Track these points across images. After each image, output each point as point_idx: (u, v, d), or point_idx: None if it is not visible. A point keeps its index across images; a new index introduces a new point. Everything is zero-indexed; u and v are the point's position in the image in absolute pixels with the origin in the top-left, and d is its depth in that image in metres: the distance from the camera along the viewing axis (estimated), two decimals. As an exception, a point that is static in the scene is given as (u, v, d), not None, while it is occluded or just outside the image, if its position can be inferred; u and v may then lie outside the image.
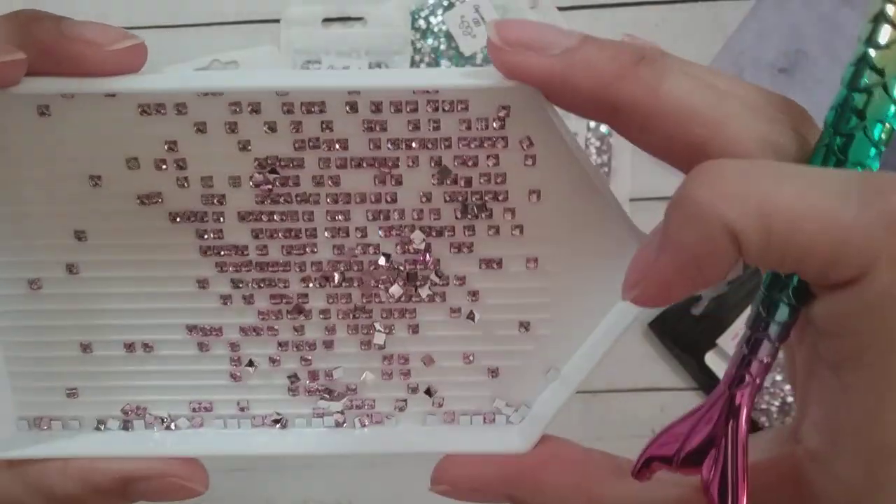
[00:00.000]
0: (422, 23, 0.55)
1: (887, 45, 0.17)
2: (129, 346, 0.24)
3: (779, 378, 0.51)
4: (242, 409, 0.25)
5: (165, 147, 0.22)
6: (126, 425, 0.25)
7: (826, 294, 0.17)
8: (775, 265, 0.17)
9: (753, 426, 0.51)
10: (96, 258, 0.23)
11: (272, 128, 0.21)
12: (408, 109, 0.21)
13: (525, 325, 0.24)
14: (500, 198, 0.22)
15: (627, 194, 0.52)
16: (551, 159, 0.21)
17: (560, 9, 0.54)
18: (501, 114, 0.21)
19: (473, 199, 0.22)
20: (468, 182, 0.22)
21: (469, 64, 0.55)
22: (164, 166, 0.22)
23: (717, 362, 0.52)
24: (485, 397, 0.25)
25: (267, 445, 0.25)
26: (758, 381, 0.19)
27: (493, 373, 0.24)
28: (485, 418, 0.25)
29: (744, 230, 0.16)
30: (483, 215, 0.22)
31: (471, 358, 0.24)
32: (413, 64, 0.55)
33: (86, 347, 0.24)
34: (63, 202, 0.22)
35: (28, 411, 0.25)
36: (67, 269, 0.23)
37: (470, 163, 0.22)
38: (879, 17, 0.17)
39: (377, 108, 0.21)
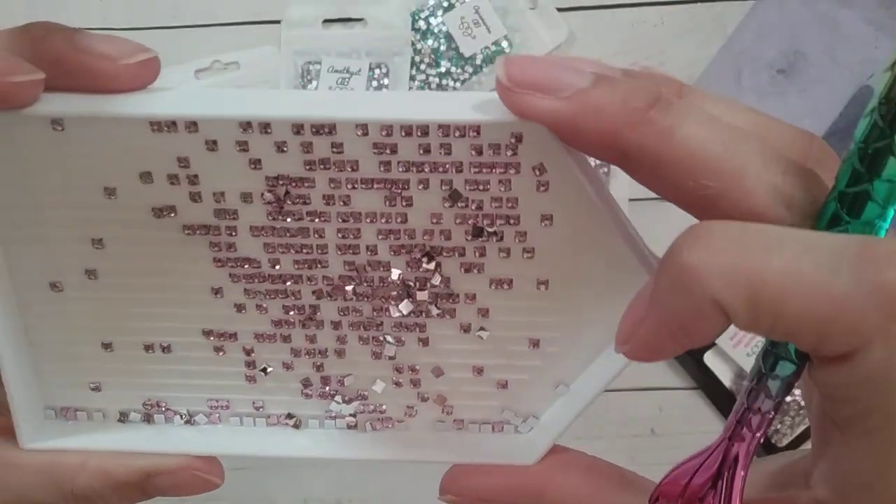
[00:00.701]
0: (422, 24, 0.55)
1: None
2: (149, 347, 0.25)
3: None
4: (258, 409, 0.25)
5: (177, 163, 0.22)
6: (147, 418, 0.25)
7: (822, 364, 0.17)
8: (766, 335, 0.16)
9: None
10: (114, 265, 0.24)
11: (282, 148, 0.21)
12: (418, 134, 0.21)
13: (535, 343, 0.24)
14: (512, 221, 0.22)
15: (627, 195, 0.53)
16: (564, 186, 0.21)
17: (560, 9, 0.55)
18: (513, 141, 0.21)
19: (485, 222, 0.22)
20: (479, 205, 0.22)
21: (468, 64, 0.55)
22: (176, 181, 0.22)
23: (716, 362, 0.52)
24: (493, 407, 0.25)
25: (280, 447, 0.25)
26: (757, 434, 0.19)
27: (503, 385, 0.25)
28: (493, 427, 0.25)
29: (731, 304, 0.16)
30: (494, 238, 0.22)
31: (480, 371, 0.24)
32: (413, 64, 0.55)
33: (107, 346, 0.25)
34: (79, 211, 0.23)
35: (54, 402, 0.25)
36: (87, 274, 0.24)
37: (481, 187, 0.22)
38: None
39: (388, 132, 0.21)
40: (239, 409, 0.26)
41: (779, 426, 0.51)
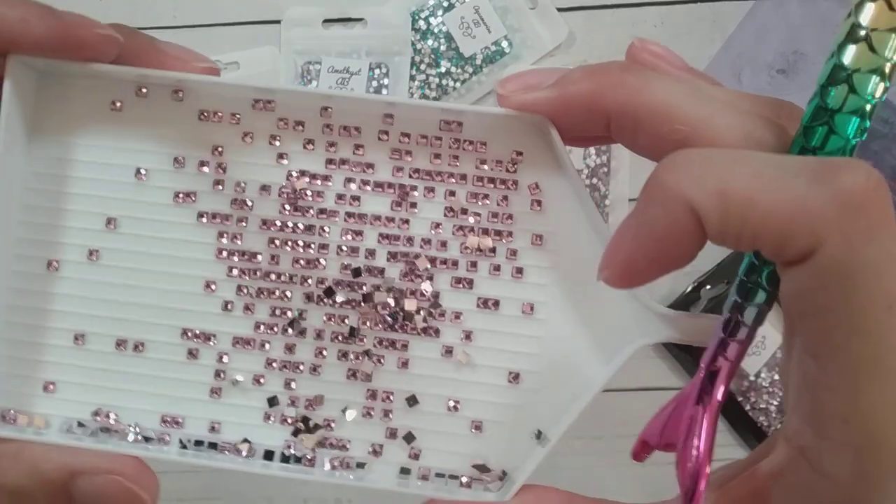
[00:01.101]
0: (422, 24, 0.55)
1: (852, 43, 0.18)
2: (121, 343, 0.25)
3: (777, 377, 0.51)
4: (213, 429, 0.25)
5: (212, 151, 0.24)
6: (94, 433, 0.25)
7: (786, 271, 0.17)
8: (735, 243, 0.17)
9: (752, 426, 0.51)
10: (118, 247, 0.24)
11: (309, 145, 0.24)
12: (432, 141, 0.23)
13: (515, 376, 0.24)
14: (505, 237, 0.24)
15: (627, 194, 0.53)
16: (557, 207, 0.23)
17: (560, 9, 0.55)
18: (515, 156, 0.23)
19: (480, 234, 0.23)
20: (477, 218, 0.23)
21: (468, 64, 0.55)
22: (205, 168, 0.24)
23: (716, 362, 0.52)
24: (464, 456, 0.24)
25: (230, 463, 0.24)
26: (734, 361, 0.20)
27: (478, 427, 0.24)
28: (461, 482, 0.24)
29: (703, 208, 0.17)
30: (487, 251, 0.24)
31: (457, 405, 0.24)
32: (413, 64, 0.55)
33: (78, 338, 0.25)
34: (105, 189, 0.24)
35: (1, 402, 0.25)
36: (89, 254, 0.24)
37: (481, 201, 0.23)
38: (849, 30, 0.18)
39: (406, 137, 0.23)
40: (192, 429, 0.25)
41: (778, 426, 0.51)
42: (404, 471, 0.24)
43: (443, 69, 0.55)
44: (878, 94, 0.18)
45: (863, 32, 0.17)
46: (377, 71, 0.55)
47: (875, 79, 0.18)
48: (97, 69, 0.23)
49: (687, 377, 0.53)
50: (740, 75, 0.53)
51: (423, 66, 0.55)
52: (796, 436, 0.19)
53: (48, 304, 0.25)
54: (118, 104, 0.24)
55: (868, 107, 0.18)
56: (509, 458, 0.24)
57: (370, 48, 0.55)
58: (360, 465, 0.24)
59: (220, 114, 0.24)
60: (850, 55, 0.18)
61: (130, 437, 0.25)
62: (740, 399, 0.51)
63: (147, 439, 0.25)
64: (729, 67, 0.54)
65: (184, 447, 0.25)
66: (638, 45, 0.22)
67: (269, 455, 0.25)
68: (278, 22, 0.55)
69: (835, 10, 0.52)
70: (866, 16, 0.17)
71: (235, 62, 0.55)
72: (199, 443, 0.25)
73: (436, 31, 0.55)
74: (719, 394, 0.20)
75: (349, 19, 0.55)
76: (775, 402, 0.51)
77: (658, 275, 0.19)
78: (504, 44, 0.55)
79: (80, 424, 0.25)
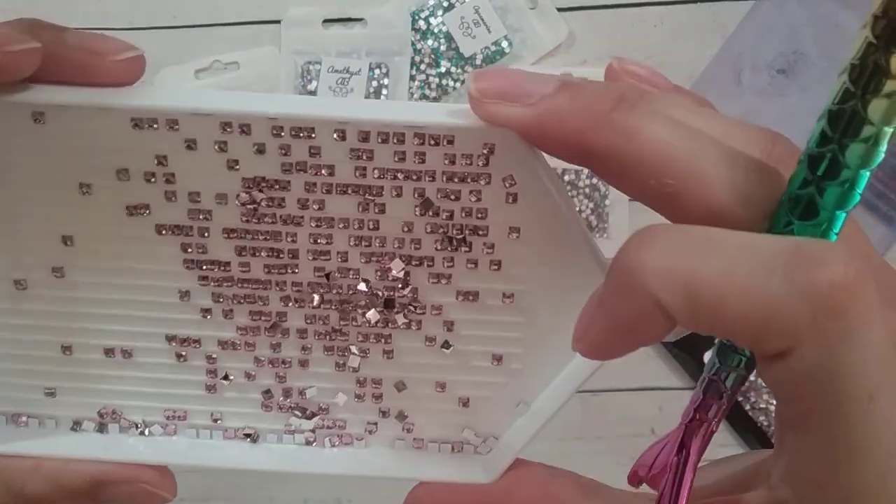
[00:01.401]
0: (422, 24, 0.55)
1: (846, 104, 0.16)
2: (109, 352, 0.24)
3: (778, 378, 0.51)
4: (216, 421, 0.25)
5: (155, 161, 0.22)
6: (101, 428, 0.25)
7: (763, 362, 0.17)
8: (707, 333, 0.17)
9: (752, 426, 0.51)
10: (82, 263, 0.23)
11: (261, 150, 0.22)
12: (395, 141, 0.21)
13: (498, 358, 0.24)
14: (481, 232, 0.22)
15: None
16: (532, 198, 0.22)
17: (560, 9, 0.55)
18: (486, 151, 0.21)
19: (454, 231, 0.22)
20: (450, 215, 0.22)
21: (468, 64, 0.55)
22: (153, 179, 0.22)
23: (716, 362, 0.52)
24: (454, 425, 0.25)
25: (237, 459, 0.25)
26: (714, 422, 0.20)
27: (464, 403, 0.25)
28: (453, 447, 0.25)
29: (671, 305, 0.16)
30: (463, 249, 0.23)
31: (443, 386, 0.24)
32: (413, 64, 0.55)
33: (66, 349, 0.24)
34: (52, 207, 0.23)
35: (5, 406, 0.25)
36: (53, 271, 0.24)
37: (452, 197, 0.22)
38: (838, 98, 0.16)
39: (365, 137, 0.21)
40: (196, 421, 0.25)
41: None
42: (399, 440, 0.25)
43: (443, 69, 0.55)
44: (868, 165, 0.16)
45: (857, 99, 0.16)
46: (377, 71, 0.55)
47: (864, 147, 0.16)
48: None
49: (687, 377, 0.53)
50: (740, 75, 0.53)
51: (423, 66, 0.55)
52: (776, 487, 0.19)
53: (26, 320, 0.24)
54: (39, 117, 0.21)
55: (858, 176, 0.17)
56: (497, 426, 0.25)
57: (370, 48, 0.55)
58: (359, 440, 0.25)
59: (155, 122, 0.21)
60: (842, 121, 0.16)
61: (137, 432, 0.25)
62: (740, 399, 0.51)
63: (152, 434, 0.25)
64: (729, 67, 0.54)
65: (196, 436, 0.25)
66: (616, 67, 0.21)
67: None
68: (278, 22, 0.55)
69: (835, 11, 0.52)
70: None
71: (235, 62, 0.55)
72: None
73: (436, 31, 0.55)
74: (694, 453, 0.20)
75: (349, 19, 0.55)
76: (775, 402, 0.51)
77: (631, 350, 0.18)
78: (504, 44, 0.55)
79: (89, 422, 0.25)
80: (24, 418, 0.25)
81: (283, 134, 0.21)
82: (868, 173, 0.16)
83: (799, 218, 0.17)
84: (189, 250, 0.23)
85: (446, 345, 0.24)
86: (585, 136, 0.19)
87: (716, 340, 0.20)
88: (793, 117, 0.53)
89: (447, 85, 0.55)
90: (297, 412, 0.25)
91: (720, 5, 0.54)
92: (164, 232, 0.23)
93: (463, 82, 0.55)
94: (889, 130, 0.16)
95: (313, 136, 0.21)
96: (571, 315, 0.22)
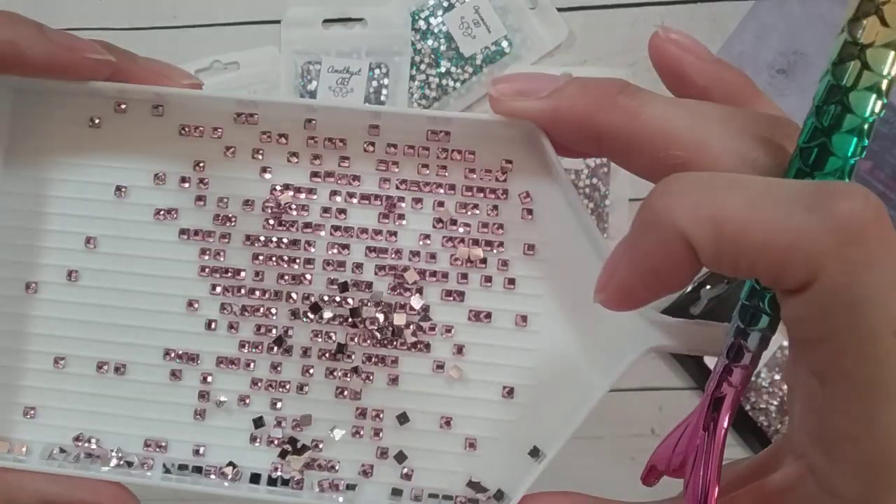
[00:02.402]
0: (422, 24, 0.55)
1: (847, 61, 0.17)
2: (102, 365, 0.24)
3: (777, 377, 0.51)
4: (197, 453, 0.24)
5: (192, 166, 0.23)
6: (76, 458, 0.24)
7: (786, 299, 0.17)
8: (731, 271, 0.17)
9: (752, 426, 0.51)
10: (99, 267, 0.24)
11: (294, 158, 0.23)
12: (419, 151, 0.22)
13: (509, 391, 0.23)
14: (497, 248, 0.23)
15: (627, 194, 0.53)
16: (548, 215, 0.22)
17: (560, 9, 0.55)
18: (505, 164, 0.22)
19: (470, 244, 0.23)
20: (467, 229, 0.23)
21: (468, 64, 0.55)
22: (186, 184, 0.23)
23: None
24: (458, 474, 0.23)
25: (215, 487, 0.24)
26: (739, 388, 0.20)
27: (471, 444, 0.23)
28: (455, 501, 0.23)
29: (696, 237, 0.17)
30: (477, 261, 0.23)
31: (449, 422, 0.23)
32: (413, 64, 0.55)
33: (58, 361, 0.24)
34: (85, 208, 0.24)
35: None
36: (68, 275, 0.24)
37: (471, 211, 0.23)
38: (842, 47, 0.17)
39: (393, 148, 0.22)
40: (176, 453, 0.24)
41: (779, 426, 0.51)
42: (396, 492, 0.23)
43: (443, 69, 0.55)
44: (875, 112, 0.17)
45: (857, 50, 0.17)
46: (377, 71, 0.55)
47: (872, 97, 0.17)
48: (77, 86, 0.22)
49: (687, 377, 0.53)
50: (740, 75, 0.53)
51: (423, 66, 0.55)
52: (805, 454, 0.19)
53: (26, 327, 0.24)
54: (97, 120, 0.23)
55: (866, 125, 0.17)
56: (505, 475, 0.23)
57: (370, 48, 0.55)
58: (351, 487, 0.24)
59: (201, 128, 0.23)
60: (844, 73, 0.17)
61: (113, 463, 0.24)
62: (741, 399, 0.51)
63: (130, 464, 0.24)
64: (729, 67, 0.54)
65: (167, 472, 0.24)
66: (662, 35, 0.22)
67: (255, 478, 0.24)
68: (278, 22, 0.55)
69: (835, 11, 0.52)
70: (860, 33, 0.17)
71: (235, 62, 0.55)
72: (182, 467, 0.24)
73: (436, 31, 0.55)
74: (725, 422, 0.20)
75: (349, 19, 0.55)
76: (775, 403, 0.51)
77: (654, 298, 0.19)
78: (504, 44, 0.55)
79: (62, 450, 0.24)
80: None
81: (317, 143, 0.23)
82: (874, 118, 0.17)
83: (814, 168, 0.18)
84: (206, 256, 0.24)
85: (455, 370, 0.23)
86: (595, 118, 0.20)
87: (739, 303, 0.20)
88: (793, 117, 0.53)
89: (447, 85, 0.55)
90: (286, 445, 0.24)
91: (720, 5, 0.54)
92: (186, 236, 0.24)
93: (463, 82, 0.55)
94: (891, 76, 0.17)
95: (344, 144, 0.23)
96: (584, 340, 0.22)
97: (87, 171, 0.24)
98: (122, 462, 0.24)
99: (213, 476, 0.24)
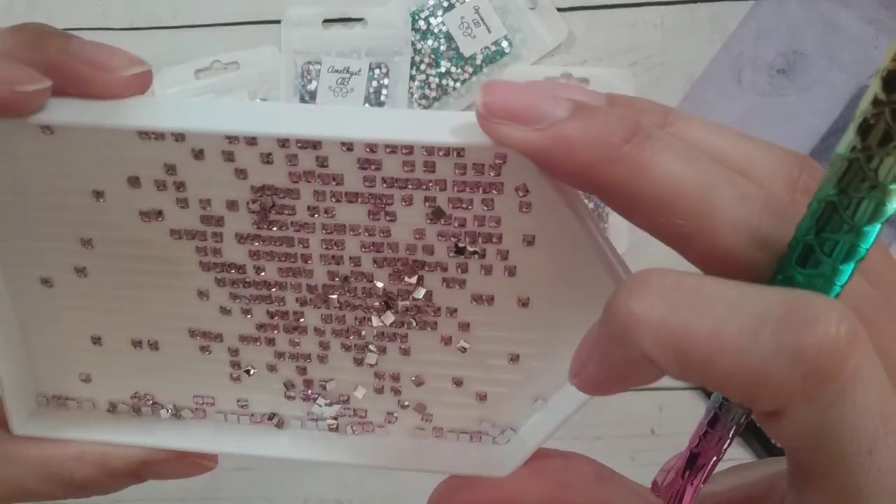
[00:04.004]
0: (422, 24, 0.55)
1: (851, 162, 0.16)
2: (137, 343, 0.25)
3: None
4: (242, 406, 0.26)
5: (164, 170, 0.22)
6: (136, 410, 0.26)
7: (759, 418, 0.17)
8: (703, 386, 0.17)
9: (752, 426, 0.51)
10: (102, 264, 0.24)
11: (268, 160, 0.22)
12: (403, 152, 0.21)
13: (514, 358, 0.24)
14: (494, 240, 0.22)
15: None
16: (546, 208, 0.21)
17: (560, 9, 0.55)
18: (498, 161, 0.21)
19: (467, 240, 0.22)
20: (462, 223, 0.22)
21: (468, 64, 0.55)
22: (163, 187, 0.23)
23: (716, 362, 0.52)
24: (472, 417, 0.25)
25: (263, 447, 0.26)
26: (714, 454, 0.20)
27: (482, 397, 0.25)
28: (471, 437, 0.25)
29: (660, 360, 0.16)
30: (476, 256, 0.22)
31: (460, 382, 0.25)
32: (413, 64, 0.55)
33: (96, 341, 0.25)
34: (69, 213, 0.23)
35: (45, 390, 0.26)
36: (76, 271, 0.24)
37: (464, 206, 0.22)
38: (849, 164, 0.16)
39: (372, 149, 0.21)
40: (223, 406, 0.26)
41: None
42: (419, 429, 0.25)
43: (443, 69, 0.55)
44: (875, 221, 0.16)
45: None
46: (377, 71, 0.55)
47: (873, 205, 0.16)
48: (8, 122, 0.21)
49: (687, 377, 0.53)
50: (740, 75, 0.53)
51: (423, 66, 0.55)
52: None
53: (56, 314, 0.25)
54: (48, 129, 0.22)
55: (861, 236, 0.16)
56: (515, 419, 0.25)
57: (370, 48, 0.55)
58: (380, 427, 0.26)
59: (161, 135, 0.21)
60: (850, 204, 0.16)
61: (169, 415, 0.26)
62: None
63: (182, 417, 0.26)
64: (729, 67, 0.54)
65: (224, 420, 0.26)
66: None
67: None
68: (278, 22, 0.55)
69: (835, 10, 0.52)
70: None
71: (235, 62, 0.55)
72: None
73: (436, 31, 0.55)
74: (699, 481, 0.20)
75: (349, 19, 0.56)
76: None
77: (624, 390, 0.18)
78: (504, 44, 0.55)
79: (123, 404, 0.26)
80: (64, 400, 0.26)
81: (289, 145, 0.21)
82: (877, 229, 0.16)
83: (802, 266, 0.17)
84: (204, 254, 0.23)
85: (462, 343, 0.24)
86: (595, 169, 0.18)
87: None
88: (793, 117, 0.53)
89: (447, 85, 0.55)
90: (318, 402, 0.25)
91: (720, 5, 0.54)
92: (178, 237, 0.23)
93: (463, 82, 0.55)
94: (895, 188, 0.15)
95: (319, 147, 0.21)
96: (587, 321, 0.22)
97: (56, 179, 0.23)
98: (178, 414, 0.26)
99: (260, 423, 0.26)
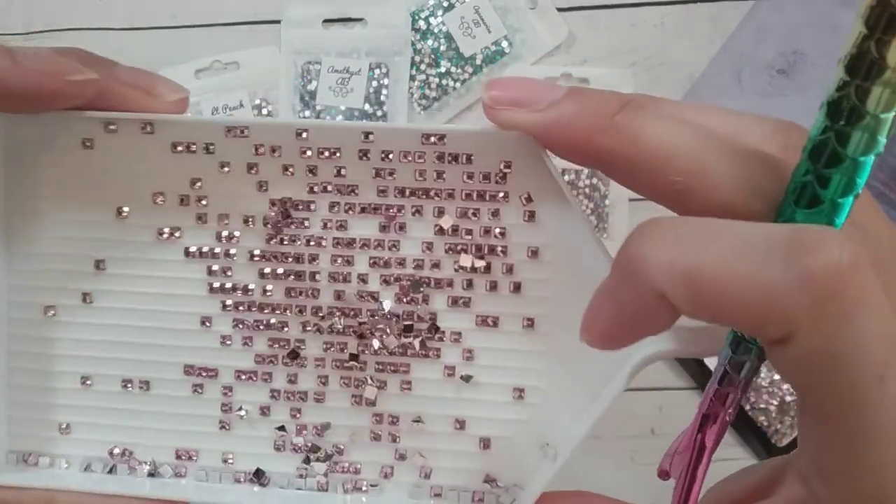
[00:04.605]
0: (422, 24, 0.55)
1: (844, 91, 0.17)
2: (127, 383, 0.25)
3: (777, 377, 0.51)
4: (226, 461, 0.25)
5: (190, 183, 0.23)
6: (112, 469, 0.25)
7: (769, 348, 0.17)
8: (711, 322, 0.17)
9: (752, 425, 0.51)
10: (110, 289, 0.24)
11: (289, 171, 0.23)
12: (416, 158, 0.22)
13: (520, 392, 0.24)
14: (500, 251, 0.23)
15: (627, 194, 0.53)
16: (550, 217, 0.22)
17: (560, 9, 0.55)
18: (504, 168, 0.22)
19: (474, 252, 0.23)
20: (469, 233, 0.23)
21: (468, 64, 0.55)
22: (186, 202, 0.23)
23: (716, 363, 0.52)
24: (475, 472, 0.24)
25: (245, 499, 0.25)
26: (728, 412, 0.20)
27: (485, 444, 0.24)
28: (474, 496, 0.24)
29: (672, 296, 0.16)
30: (481, 269, 0.23)
31: (462, 424, 0.24)
32: (413, 64, 0.55)
33: (85, 380, 0.25)
34: (88, 230, 0.24)
35: (19, 445, 0.25)
36: (83, 297, 0.24)
37: (472, 215, 0.23)
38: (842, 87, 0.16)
39: (387, 156, 0.22)
40: (206, 462, 0.25)
41: (779, 426, 0.51)
42: (417, 487, 0.24)
43: (443, 69, 0.55)
44: (869, 152, 0.16)
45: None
46: (377, 71, 0.55)
47: (864, 135, 0.16)
48: (62, 116, 0.22)
49: (687, 377, 0.53)
50: (740, 75, 0.53)
51: (423, 66, 0.55)
52: (808, 480, 0.19)
53: (51, 349, 0.25)
54: (88, 142, 0.23)
55: (858, 164, 0.17)
56: (520, 472, 0.24)
57: (370, 48, 0.55)
58: (374, 486, 0.25)
59: (193, 145, 0.23)
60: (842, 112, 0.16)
61: (145, 472, 0.25)
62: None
63: (161, 475, 0.25)
64: (729, 67, 0.54)
65: (203, 478, 0.25)
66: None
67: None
68: (278, 22, 0.55)
69: (835, 10, 0.52)
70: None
71: (235, 62, 0.55)
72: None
73: (436, 31, 0.55)
74: (709, 441, 0.20)
75: (349, 19, 0.55)
76: (775, 402, 0.51)
77: (638, 339, 0.19)
78: (504, 44, 0.55)
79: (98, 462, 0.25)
80: (36, 458, 0.25)
81: (310, 154, 0.22)
82: (870, 161, 0.16)
83: (801, 206, 0.17)
84: (214, 273, 0.24)
85: (466, 378, 0.24)
86: (591, 139, 0.19)
87: (730, 331, 0.20)
88: (793, 117, 0.53)
89: (447, 85, 0.55)
90: (310, 453, 0.24)
91: (720, 5, 0.54)
92: (191, 255, 0.24)
93: (463, 82, 0.55)
94: (887, 118, 0.16)
95: (338, 154, 0.22)
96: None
97: (82, 194, 0.23)
98: (157, 472, 0.25)
99: (242, 482, 0.25)
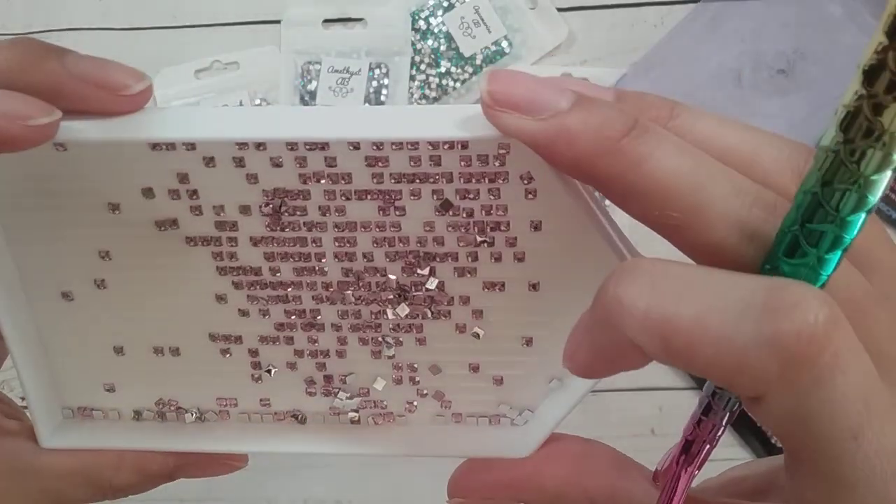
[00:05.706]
0: (422, 24, 0.55)
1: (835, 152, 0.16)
2: (158, 350, 0.26)
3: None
4: (265, 405, 0.27)
5: (177, 179, 0.23)
6: (161, 416, 0.27)
7: (744, 402, 0.17)
8: (686, 371, 0.17)
9: (752, 425, 0.51)
10: (121, 275, 0.25)
11: (278, 163, 0.22)
12: (408, 147, 0.21)
13: (528, 341, 0.24)
14: (502, 227, 0.23)
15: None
16: (552, 193, 0.22)
17: (560, 9, 0.55)
18: (501, 151, 0.21)
19: (475, 230, 0.23)
20: (470, 213, 0.23)
21: (468, 64, 0.55)
22: (177, 196, 0.23)
23: (716, 362, 0.52)
24: (490, 401, 0.26)
25: (288, 443, 0.26)
26: (708, 442, 0.20)
27: (498, 381, 0.25)
28: (490, 420, 0.26)
29: (646, 347, 0.16)
30: (485, 244, 0.23)
31: (476, 368, 0.25)
32: (413, 64, 0.55)
33: (118, 350, 0.26)
34: (86, 226, 0.24)
35: (71, 402, 0.27)
36: (96, 283, 0.25)
37: (471, 196, 0.22)
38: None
39: (378, 147, 0.22)
40: (247, 406, 0.26)
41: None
42: (439, 416, 0.26)
43: (443, 69, 0.55)
44: (859, 211, 0.16)
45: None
46: (377, 71, 0.55)
47: (854, 196, 0.16)
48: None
49: (687, 377, 0.53)
50: (740, 75, 0.53)
51: (423, 66, 0.55)
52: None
53: (78, 327, 0.25)
54: (61, 147, 0.22)
55: (846, 227, 0.16)
56: (532, 400, 0.25)
57: (370, 48, 0.55)
58: (400, 416, 0.26)
59: (172, 145, 0.22)
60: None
61: (193, 418, 0.27)
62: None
63: (207, 419, 0.27)
64: (729, 67, 0.54)
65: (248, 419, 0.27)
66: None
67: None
68: (278, 22, 0.55)
69: (835, 10, 0.52)
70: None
71: (235, 62, 0.55)
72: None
73: (436, 31, 0.55)
74: (693, 467, 0.21)
75: (349, 19, 0.56)
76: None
77: (615, 373, 0.19)
78: (504, 44, 0.55)
79: (148, 411, 0.27)
80: (89, 411, 0.27)
81: (297, 147, 0.22)
82: (861, 219, 0.16)
83: (787, 257, 0.17)
84: (220, 259, 0.24)
85: (476, 335, 0.24)
86: (593, 161, 0.18)
87: None
88: (793, 117, 0.53)
89: (447, 85, 0.55)
90: (339, 396, 0.26)
91: (720, 5, 0.54)
92: (193, 244, 0.24)
93: (463, 82, 0.55)
94: (877, 179, 0.15)
95: (327, 147, 0.22)
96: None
97: (70, 193, 0.23)
98: (203, 417, 0.27)
99: (283, 421, 0.27)
